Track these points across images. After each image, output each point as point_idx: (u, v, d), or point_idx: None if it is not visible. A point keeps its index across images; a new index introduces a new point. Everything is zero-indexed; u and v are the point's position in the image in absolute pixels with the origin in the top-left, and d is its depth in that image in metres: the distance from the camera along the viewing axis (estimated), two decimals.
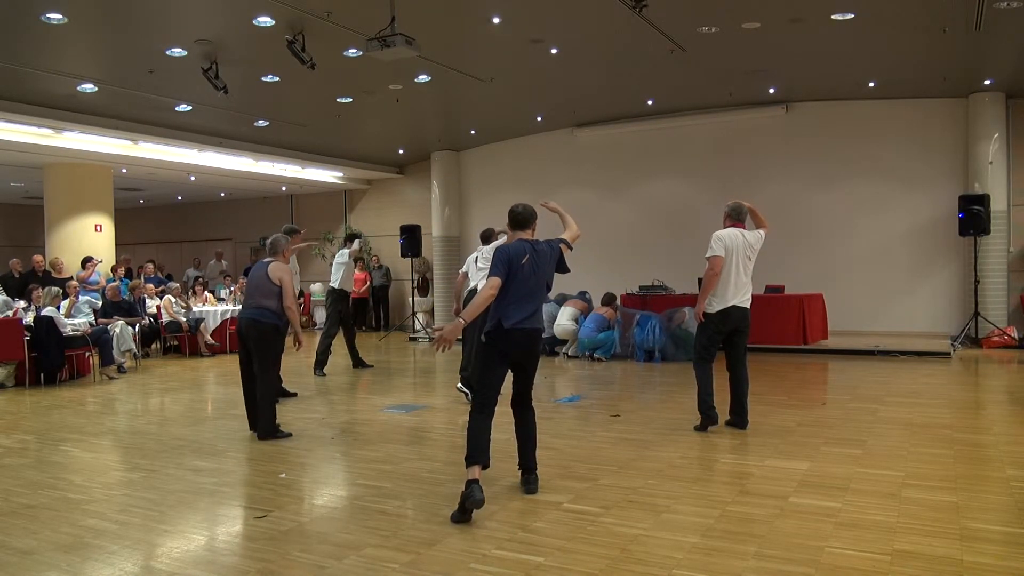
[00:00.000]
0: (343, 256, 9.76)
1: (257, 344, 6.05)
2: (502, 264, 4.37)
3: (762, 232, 6.11)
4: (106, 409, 7.69)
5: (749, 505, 4.11)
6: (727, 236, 5.89)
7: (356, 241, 10.05)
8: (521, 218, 4.58)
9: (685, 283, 11.74)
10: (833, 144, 12.56)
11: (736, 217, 6.06)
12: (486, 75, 10.49)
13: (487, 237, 7.75)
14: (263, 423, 6.04)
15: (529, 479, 4.54)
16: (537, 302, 4.49)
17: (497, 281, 4.31)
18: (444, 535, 3.76)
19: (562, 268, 4.62)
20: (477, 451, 4.14)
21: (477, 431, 4.21)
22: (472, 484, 3.98)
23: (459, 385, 7.48)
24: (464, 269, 7.85)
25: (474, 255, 7.74)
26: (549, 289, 4.65)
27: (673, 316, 10.65)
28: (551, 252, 4.56)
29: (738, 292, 5.87)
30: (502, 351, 4.40)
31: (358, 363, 10.01)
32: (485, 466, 4.18)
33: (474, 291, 7.50)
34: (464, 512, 3.97)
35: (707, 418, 5.98)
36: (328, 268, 16.43)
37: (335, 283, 9.57)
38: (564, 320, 10.89)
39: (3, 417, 7.27)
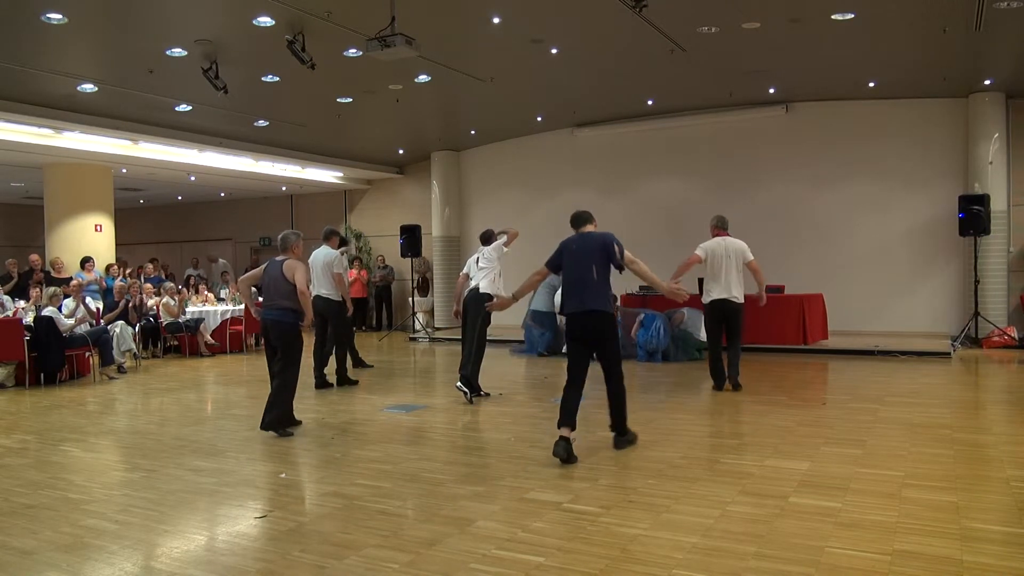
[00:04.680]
0: None
1: (281, 343, 6.24)
2: (555, 254, 5.46)
3: (747, 252, 7.61)
4: (106, 409, 7.69)
5: (749, 505, 4.11)
6: (709, 244, 7.66)
7: (344, 253, 10.04)
8: (579, 219, 5.50)
9: (685, 283, 11.54)
10: (833, 144, 12.56)
11: (720, 226, 7.80)
12: (486, 75, 10.49)
13: (487, 238, 7.77)
14: (276, 414, 6.13)
15: (615, 440, 5.38)
16: (586, 287, 5.18)
17: (545, 270, 5.55)
18: (444, 535, 3.76)
19: (614, 263, 5.27)
20: (563, 415, 5.09)
21: (565, 399, 5.18)
22: (559, 440, 5.00)
23: (458, 384, 7.49)
24: (465, 270, 7.85)
25: (475, 256, 7.74)
26: (602, 275, 5.23)
27: (672, 316, 10.65)
28: (600, 240, 5.28)
29: (724, 290, 7.56)
30: (569, 335, 5.32)
31: (358, 363, 10.00)
32: (571, 428, 5.05)
33: (475, 290, 7.50)
34: (557, 457, 4.97)
35: (715, 380, 7.73)
36: None
37: None
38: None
39: (3, 417, 7.27)
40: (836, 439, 5.61)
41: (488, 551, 3.55)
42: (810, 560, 3.34)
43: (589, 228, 5.44)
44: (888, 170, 12.25)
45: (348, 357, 9.05)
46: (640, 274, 5.51)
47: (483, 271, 7.53)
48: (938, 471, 4.71)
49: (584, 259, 5.21)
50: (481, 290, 7.45)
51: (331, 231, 8.73)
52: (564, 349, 11.02)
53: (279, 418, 6.14)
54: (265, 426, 6.11)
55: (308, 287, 6.36)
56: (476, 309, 7.45)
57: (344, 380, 8.61)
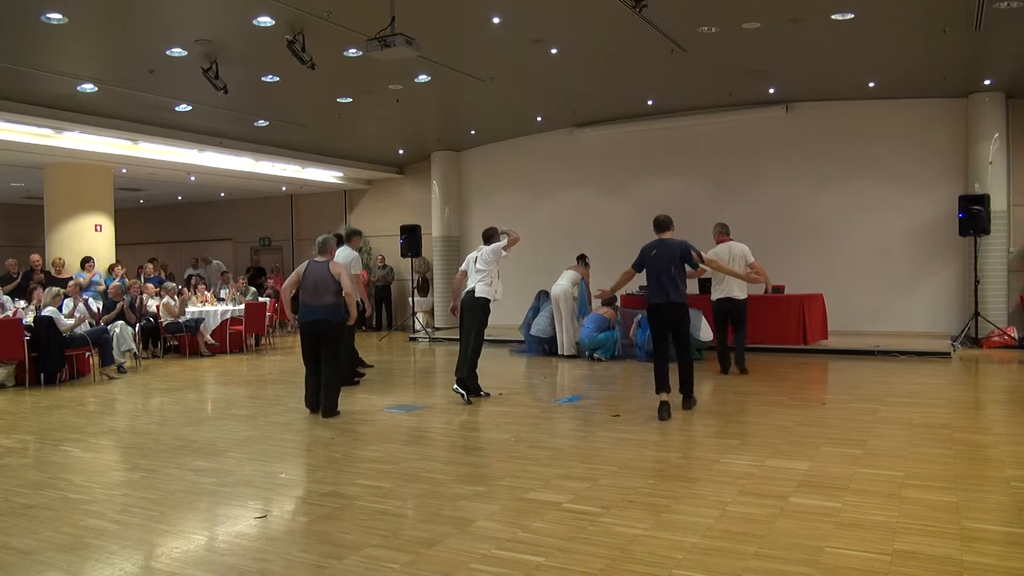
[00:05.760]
0: None
1: (331, 338, 6.88)
2: (638, 258, 6.79)
3: (749, 255, 8.77)
4: (106, 409, 7.69)
5: (749, 505, 4.11)
6: (716, 250, 8.77)
7: None
8: (661, 224, 6.80)
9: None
10: (833, 144, 12.55)
11: (724, 232, 9.04)
12: (486, 75, 10.49)
13: (488, 236, 7.74)
14: (329, 404, 6.87)
15: (683, 401, 6.72)
16: (667, 284, 6.54)
17: (632, 271, 6.84)
18: (444, 535, 3.76)
19: (692, 263, 6.66)
20: (658, 383, 6.53)
21: (656, 370, 6.58)
22: (661, 404, 6.42)
23: (455, 387, 7.49)
24: (464, 267, 7.83)
25: (474, 255, 7.71)
26: (679, 274, 6.60)
27: None
28: (678, 245, 6.62)
29: (727, 289, 8.76)
30: (652, 320, 6.77)
31: (357, 364, 9.99)
32: (667, 391, 6.47)
33: (471, 293, 7.51)
34: (662, 420, 6.31)
35: (721, 365, 8.94)
36: None
37: None
38: (563, 281, 10.92)
39: (3, 417, 7.27)
40: (836, 439, 5.61)
41: (488, 551, 3.55)
42: (810, 560, 3.34)
43: (668, 235, 6.74)
44: (888, 170, 12.25)
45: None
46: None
47: (480, 274, 7.51)
48: (938, 471, 4.71)
49: (664, 262, 6.57)
50: (477, 294, 7.46)
51: (353, 231, 9.06)
52: (561, 351, 11.15)
53: (332, 408, 6.89)
54: (325, 415, 6.82)
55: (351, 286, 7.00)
56: (472, 312, 7.46)
57: (345, 380, 8.63)
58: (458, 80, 10.52)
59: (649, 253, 6.70)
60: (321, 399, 6.90)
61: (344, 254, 8.65)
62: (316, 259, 7.01)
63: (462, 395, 7.41)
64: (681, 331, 6.68)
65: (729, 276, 8.48)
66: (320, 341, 6.91)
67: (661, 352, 6.66)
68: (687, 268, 6.70)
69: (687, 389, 6.74)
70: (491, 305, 7.57)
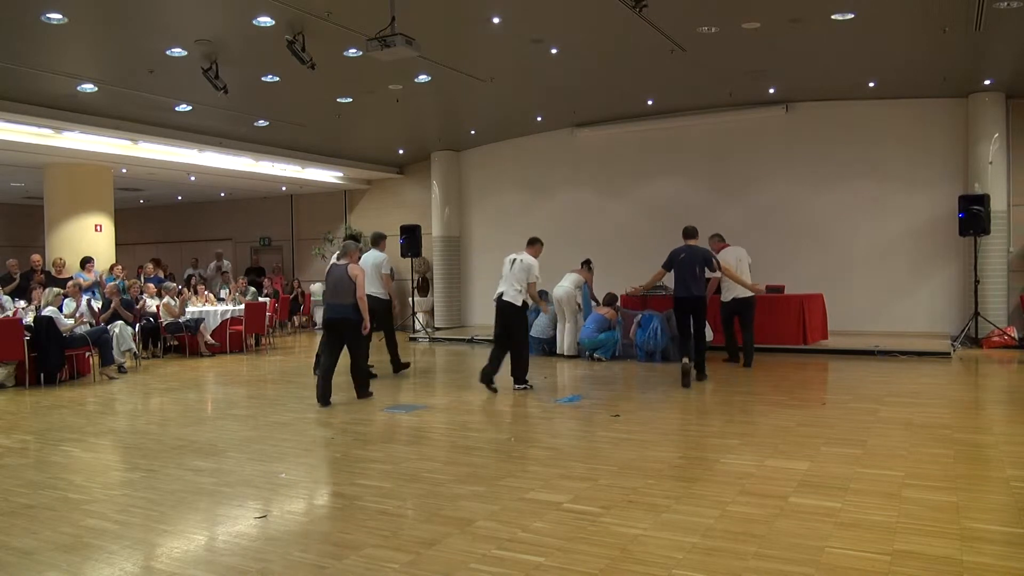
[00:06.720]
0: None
1: (351, 334, 7.49)
2: (667, 260, 8.43)
3: (748, 256, 9.69)
4: (106, 409, 7.69)
5: (749, 505, 4.11)
6: (724, 255, 9.41)
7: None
8: (689, 233, 8.50)
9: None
10: (833, 144, 12.55)
11: (721, 239, 9.92)
12: (486, 75, 10.48)
13: (530, 243, 8.33)
14: (361, 388, 7.74)
15: (696, 375, 8.16)
16: (691, 282, 8.21)
17: (662, 270, 8.60)
18: (444, 535, 3.76)
19: (711, 268, 8.44)
20: (683, 353, 8.22)
21: (682, 345, 8.38)
22: (684, 363, 7.97)
23: (518, 386, 7.98)
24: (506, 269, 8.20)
25: (513, 256, 8.10)
26: (700, 274, 8.34)
27: (671, 317, 10.63)
28: (702, 252, 8.39)
29: (739, 290, 9.41)
30: (678, 309, 8.40)
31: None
32: (690, 359, 8.04)
33: (499, 297, 7.96)
34: (683, 379, 7.96)
35: (730, 354, 9.84)
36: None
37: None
38: (565, 283, 10.93)
39: (3, 417, 7.27)
40: (836, 439, 5.61)
41: (488, 551, 3.55)
42: (810, 560, 3.34)
43: (693, 242, 8.39)
44: (888, 170, 12.24)
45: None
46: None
47: (510, 284, 7.91)
48: (938, 471, 4.71)
49: (690, 264, 8.20)
50: (506, 298, 7.89)
51: (379, 235, 9.69)
52: (562, 351, 11.14)
53: (364, 391, 7.73)
54: (360, 397, 7.68)
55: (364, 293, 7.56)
56: (508, 317, 7.90)
57: (399, 366, 9.76)
58: (458, 80, 10.52)
59: (678, 256, 8.29)
60: (354, 385, 7.78)
61: (374, 257, 9.25)
62: (337, 263, 7.63)
63: (529, 387, 7.99)
64: (699, 318, 8.26)
65: (729, 281, 9.43)
66: (340, 338, 7.54)
67: (686, 333, 8.30)
68: (707, 271, 8.36)
69: (700, 366, 8.25)
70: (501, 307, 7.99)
